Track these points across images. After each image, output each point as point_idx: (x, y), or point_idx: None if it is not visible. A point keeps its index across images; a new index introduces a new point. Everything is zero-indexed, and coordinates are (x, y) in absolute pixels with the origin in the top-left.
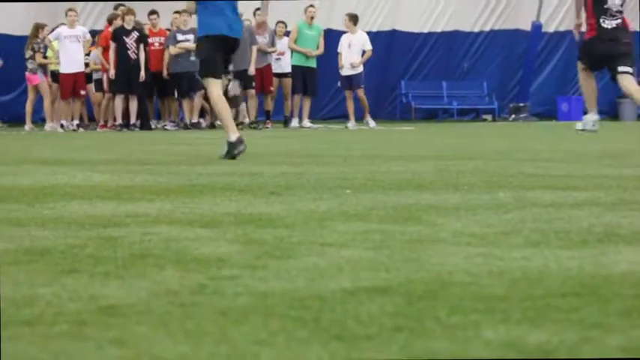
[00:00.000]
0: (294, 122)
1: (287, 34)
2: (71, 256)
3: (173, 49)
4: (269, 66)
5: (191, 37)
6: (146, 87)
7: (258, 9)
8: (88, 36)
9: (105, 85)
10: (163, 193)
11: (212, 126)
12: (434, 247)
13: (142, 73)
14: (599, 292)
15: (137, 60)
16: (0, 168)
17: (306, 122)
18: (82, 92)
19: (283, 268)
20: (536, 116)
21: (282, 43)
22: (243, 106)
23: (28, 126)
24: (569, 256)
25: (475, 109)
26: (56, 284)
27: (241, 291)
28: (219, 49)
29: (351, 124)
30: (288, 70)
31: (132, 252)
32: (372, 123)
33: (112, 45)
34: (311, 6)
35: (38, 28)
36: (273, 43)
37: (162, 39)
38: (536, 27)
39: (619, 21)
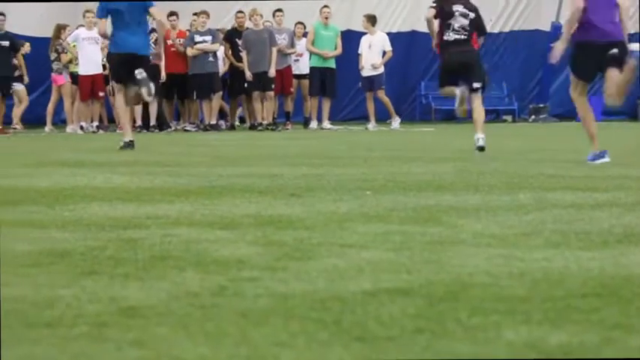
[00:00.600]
0: (314, 124)
1: (306, 35)
2: (91, 257)
3: (190, 51)
4: (289, 67)
5: (209, 38)
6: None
7: (277, 10)
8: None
9: None
10: (183, 195)
11: (232, 127)
12: (454, 248)
13: (163, 74)
14: (620, 293)
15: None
16: (20, 170)
17: (326, 124)
18: (101, 94)
19: (303, 270)
20: (556, 117)
21: (301, 45)
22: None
23: (48, 127)
24: (590, 257)
25: (495, 110)
26: (76, 286)
27: (261, 293)
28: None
29: (372, 125)
30: (307, 71)
31: (152, 254)
32: (395, 124)
33: None
34: (325, 6)
35: (60, 29)
36: (292, 44)
37: (182, 40)
38: (556, 28)
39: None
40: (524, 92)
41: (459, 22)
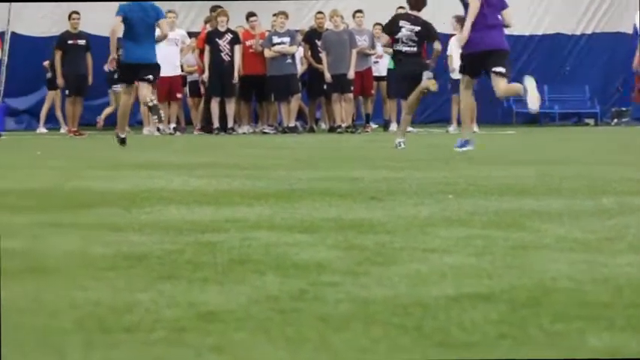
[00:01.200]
0: (394, 126)
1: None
2: (169, 261)
3: (268, 52)
4: (369, 69)
5: (287, 39)
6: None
7: (358, 11)
8: (188, 40)
9: (202, 89)
10: (262, 198)
11: (311, 130)
12: (537, 253)
13: (236, 75)
14: None
15: (231, 62)
16: (96, 172)
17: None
18: (178, 95)
19: (385, 275)
20: (638, 120)
21: (379, 46)
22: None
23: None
24: None
25: (577, 114)
26: (154, 290)
27: (342, 297)
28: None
29: (453, 127)
30: (385, 73)
31: (231, 257)
32: (475, 127)
33: (207, 47)
34: (400, 7)
35: None
36: (373, 46)
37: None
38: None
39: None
40: (606, 95)
41: (405, 35)
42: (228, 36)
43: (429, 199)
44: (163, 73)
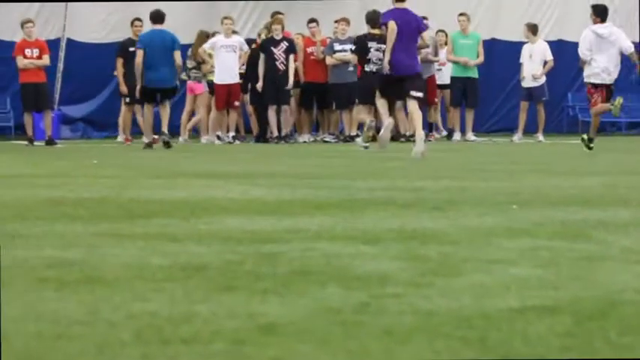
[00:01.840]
0: (457, 135)
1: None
2: (228, 272)
3: (329, 60)
4: (433, 77)
5: (349, 46)
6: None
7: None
8: (246, 47)
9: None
10: (324, 208)
11: (372, 139)
12: (603, 264)
13: (291, 81)
14: None
15: (286, 71)
16: (154, 181)
17: (470, 135)
18: (236, 103)
19: (449, 286)
20: None
21: (442, 53)
22: None
23: (182, 137)
24: None
25: None
26: (213, 301)
27: (405, 309)
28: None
29: (517, 136)
30: (449, 81)
31: (292, 268)
32: (541, 137)
33: (261, 56)
34: (461, 15)
35: (205, 35)
36: (436, 53)
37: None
38: None
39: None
40: None
41: (375, 55)
42: (284, 44)
43: (493, 209)
44: (221, 80)
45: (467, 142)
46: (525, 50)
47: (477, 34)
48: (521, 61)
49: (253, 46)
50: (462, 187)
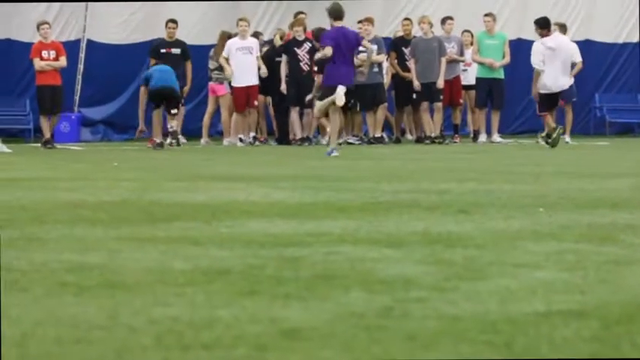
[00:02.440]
0: (483, 137)
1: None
2: (251, 276)
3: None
4: (458, 78)
5: (374, 47)
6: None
7: (448, 17)
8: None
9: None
10: (347, 211)
11: (397, 141)
12: (631, 268)
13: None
14: None
15: (310, 72)
16: (175, 184)
17: (496, 137)
18: (255, 103)
19: (474, 290)
20: None
21: (468, 54)
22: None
23: (204, 140)
24: None
25: None
26: (235, 306)
27: (430, 314)
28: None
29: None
30: (474, 82)
31: (315, 273)
32: (567, 139)
33: (284, 57)
34: (486, 15)
35: (227, 36)
36: (462, 53)
37: None
38: None
39: None
40: None
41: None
42: (307, 45)
43: (518, 212)
44: (239, 83)
45: (492, 143)
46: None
47: (503, 34)
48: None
49: (266, 48)
50: (487, 190)
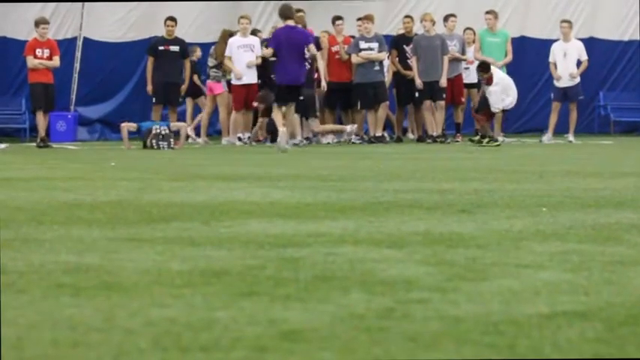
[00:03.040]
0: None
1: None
2: (249, 277)
3: (355, 58)
4: (460, 76)
5: (375, 45)
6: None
7: (451, 15)
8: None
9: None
10: (347, 211)
11: (398, 139)
12: (636, 268)
13: (324, 83)
14: None
15: (311, 70)
16: (173, 184)
17: (499, 136)
18: (254, 104)
19: (476, 291)
20: None
21: (470, 51)
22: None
23: (202, 139)
24: None
25: None
26: (234, 307)
27: (431, 315)
28: None
29: (547, 137)
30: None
31: (314, 273)
32: (571, 137)
33: None
34: (488, 13)
35: (229, 35)
36: (463, 51)
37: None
38: None
39: None
40: None
41: None
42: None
43: (522, 212)
44: (239, 81)
45: None
46: (558, 49)
47: (506, 31)
48: (551, 60)
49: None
50: (490, 190)
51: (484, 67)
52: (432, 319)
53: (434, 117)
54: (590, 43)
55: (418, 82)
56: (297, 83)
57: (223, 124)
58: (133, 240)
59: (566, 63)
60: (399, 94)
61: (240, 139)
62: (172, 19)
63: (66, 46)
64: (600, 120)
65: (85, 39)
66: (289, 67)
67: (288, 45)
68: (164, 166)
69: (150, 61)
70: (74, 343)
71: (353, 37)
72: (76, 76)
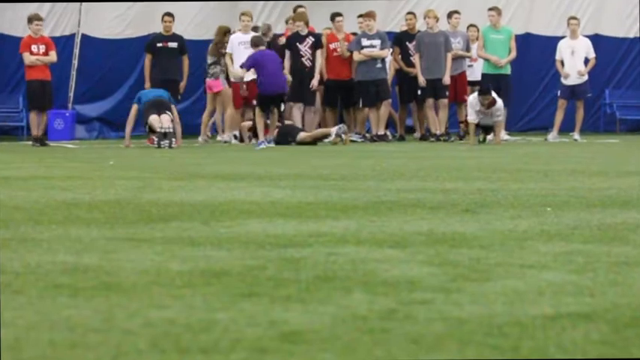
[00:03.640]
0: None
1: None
2: (250, 278)
3: (357, 56)
4: (463, 73)
5: (377, 42)
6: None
7: (454, 12)
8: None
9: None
10: (349, 211)
11: (401, 138)
12: None
13: (314, 82)
14: None
15: (312, 68)
16: (172, 183)
17: (503, 134)
18: (254, 102)
19: (480, 292)
20: None
21: (474, 49)
22: None
23: (202, 137)
24: None
25: None
26: (234, 309)
27: (434, 316)
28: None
29: (552, 135)
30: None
31: (316, 274)
32: (577, 136)
33: (288, 54)
34: (491, 9)
35: (225, 32)
36: (467, 49)
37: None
38: None
39: None
40: None
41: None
42: (310, 40)
43: (526, 211)
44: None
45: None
46: (565, 46)
47: (509, 28)
48: (557, 57)
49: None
50: (494, 189)
51: (484, 91)
52: (435, 320)
53: (437, 115)
54: (595, 41)
55: (421, 80)
56: (280, 91)
57: (225, 121)
58: (132, 240)
59: (574, 60)
60: (401, 91)
61: (236, 136)
62: (170, 14)
63: (64, 43)
64: (606, 118)
65: (84, 36)
66: (271, 78)
67: (265, 61)
68: (163, 165)
69: (148, 59)
70: (72, 344)
71: (355, 34)
72: (74, 73)
